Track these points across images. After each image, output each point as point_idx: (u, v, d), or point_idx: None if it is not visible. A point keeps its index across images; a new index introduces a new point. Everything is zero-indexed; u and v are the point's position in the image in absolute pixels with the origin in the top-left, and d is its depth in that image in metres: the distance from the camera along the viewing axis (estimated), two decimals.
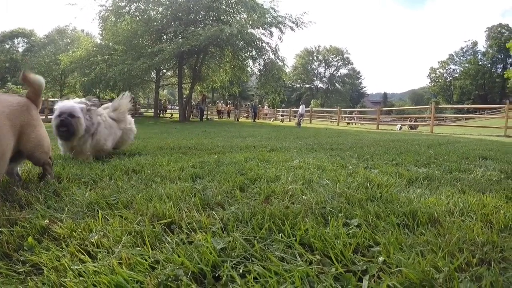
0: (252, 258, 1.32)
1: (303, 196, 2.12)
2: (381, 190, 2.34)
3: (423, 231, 1.57)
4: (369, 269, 1.23)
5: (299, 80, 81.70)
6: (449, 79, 75.08)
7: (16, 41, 54.68)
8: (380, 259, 1.29)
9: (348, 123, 28.49)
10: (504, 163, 4.17)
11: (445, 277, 1.15)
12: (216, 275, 1.23)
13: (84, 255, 1.36)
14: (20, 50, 53.56)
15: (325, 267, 1.25)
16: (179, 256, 1.31)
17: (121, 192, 2.27)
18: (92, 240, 1.47)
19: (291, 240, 1.45)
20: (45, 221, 1.70)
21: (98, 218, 1.74)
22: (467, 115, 33.20)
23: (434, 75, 77.94)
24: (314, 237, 1.46)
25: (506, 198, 2.28)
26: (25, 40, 54.12)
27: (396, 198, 2.13)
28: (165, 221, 1.71)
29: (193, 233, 1.57)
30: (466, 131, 17.71)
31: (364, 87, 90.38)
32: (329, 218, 1.70)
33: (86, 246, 1.43)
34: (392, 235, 1.47)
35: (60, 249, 1.42)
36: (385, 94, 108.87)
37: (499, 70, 68.80)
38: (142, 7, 23.61)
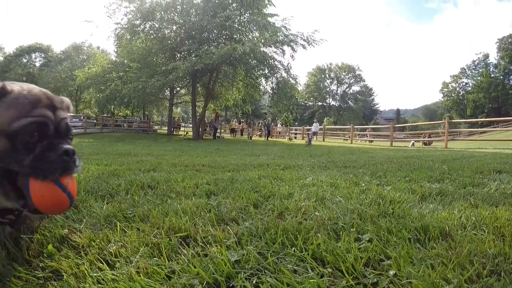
0: (265, 270, 1.35)
1: (316, 213, 2.15)
2: (393, 206, 2.35)
3: (435, 245, 1.58)
4: (380, 281, 1.25)
5: (311, 98, 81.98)
6: (461, 93, 74.67)
7: (33, 55, 56.04)
8: (391, 272, 1.31)
9: (362, 140, 28.33)
10: None
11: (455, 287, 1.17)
12: (230, 285, 1.26)
13: (103, 263, 1.42)
14: (37, 64, 54.80)
15: (336, 280, 1.28)
16: (194, 267, 1.35)
17: (137, 206, 2.34)
18: (111, 250, 1.53)
19: (303, 254, 1.48)
20: (65, 230, 1.77)
21: (116, 229, 1.80)
22: (481, 129, 32.85)
23: (446, 89, 77.60)
24: (326, 251, 1.48)
25: None
26: (42, 55, 55.50)
27: (408, 214, 2.14)
28: (181, 234, 1.76)
29: (208, 246, 1.61)
30: (481, 145, 17.53)
31: (377, 104, 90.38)
32: (341, 233, 1.72)
33: (105, 256, 1.49)
34: (403, 249, 1.49)
35: (79, 257, 1.48)
36: (398, 110, 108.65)
37: None
38: (157, 25, 24.10)
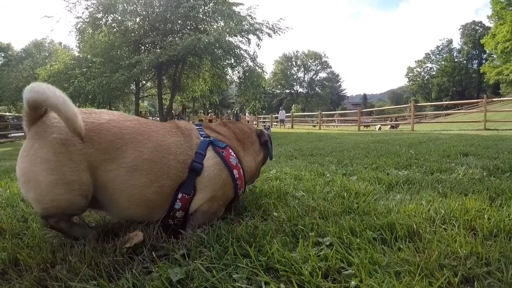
0: None
1: (275, 213, 1.98)
2: (358, 200, 2.21)
3: (401, 246, 1.44)
4: None
5: (279, 86, 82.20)
6: (426, 78, 76.54)
7: None
8: (353, 283, 1.15)
9: (330, 126, 28.53)
10: (485, 158, 4.09)
11: None
12: None
13: None
14: None
15: None
16: None
17: None
18: None
19: (256, 266, 1.32)
20: None
21: None
22: (446, 112, 33.60)
23: (411, 74, 79.30)
24: (279, 262, 1.32)
25: (489, 200, 2.17)
26: (2, 55, 53.32)
27: (374, 208, 2.00)
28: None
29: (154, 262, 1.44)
30: (446, 127, 17.88)
31: (344, 90, 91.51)
32: (299, 238, 1.55)
33: None
34: (366, 254, 1.33)
35: None
36: (364, 95, 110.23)
37: (475, 65, 70.60)
38: (119, 18, 23.37)
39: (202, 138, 1.92)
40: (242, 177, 1.97)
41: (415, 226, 1.63)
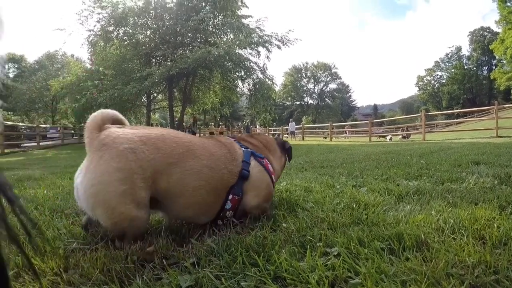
0: None
1: (284, 224, 1.99)
2: (368, 211, 2.22)
3: (409, 256, 1.44)
4: None
5: (289, 98, 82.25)
6: (436, 86, 76.05)
7: (6, 66, 54.74)
8: None
9: (341, 137, 28.44)
10: (497, 166, 4.07)
11: None
12: None
13: None
14: (11, 75, 53.53)
15: None
16: None
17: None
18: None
19: (264, 275, 1.33)
20: None
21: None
22: (457, 120, 33.28)
23: (422, 83, 78.87)
24: (287, 271, 1.34)
25: (499, 209, 2.16)
26: (16, 66, 54.20)
27: (383, 219, 2.00)
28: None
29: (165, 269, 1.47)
30: (458, 136, 17.71)
31: (354, 101, 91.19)
32: (307, 248, 1.57)
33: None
34: (373, 264, 1.34)
35: None
36: (375, 105, 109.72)
37: (485, 72, 70.02)
38: (130, 31, 23.66)
39: (243, 149, 2.20)
40: (274, 181, 2.32)
41: (423, 236, 1.63)
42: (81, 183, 1.65)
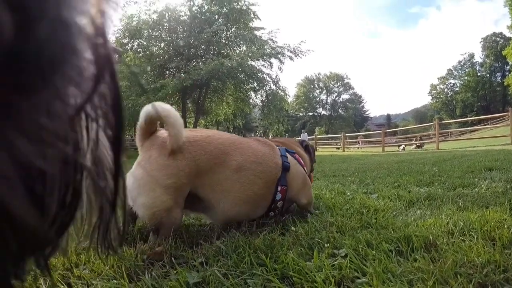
0: None
1: (293, 228, 2.00)
2: (377, 216, 2.21)
3: (417, 256, 1.44)
4: None
5: (301, 109, 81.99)
6: (450, 94, 75.21)
7: None
8: None
9: (354, 147, 28.27)
10: (510, 172, 4.04)
11: None
12: None
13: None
14: None
15: None
16: None
17: None
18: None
19: (271, 274, 1.34)
20: None
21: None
22: (471, 128, 32.88)
23: (435, 91, 78.11)
24: (294, 271, 1.34)
25: (511, 210, 2.15)
26: None
27: (392, 223, 2.00)
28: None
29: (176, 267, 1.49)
30: (472, 144, 17.50)
31: (367, 111, 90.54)
32: (315, 249, 1.57)
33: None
34: (380, 264, 1.34)
35: None
36: (388, 115, 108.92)
37: (499, 78, 68.90)
38: (144, 43, 24.02)
39: (278, 147, 2.37)
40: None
41: (431, 237, 1.63)
42: (129, 176, 1.80)
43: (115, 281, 1.35)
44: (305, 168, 2.48)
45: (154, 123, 1.91)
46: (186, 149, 1.87)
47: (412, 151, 17.58)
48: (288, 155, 2.34)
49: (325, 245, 1.63)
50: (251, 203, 2.09)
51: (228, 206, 2.00)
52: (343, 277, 1.29)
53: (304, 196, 2.39)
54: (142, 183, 1.79)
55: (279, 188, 2.19)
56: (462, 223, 1.86)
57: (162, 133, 1.92)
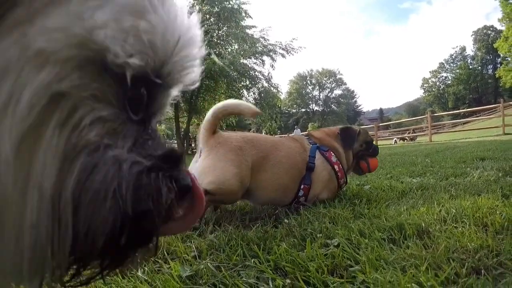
0: (220, 285, 1.23)
1: (285, 220, 2.00)
2: (370, 206, 2.21)
3: (410, 244, 1.43)
4: None
5: (294, 105, 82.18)
6: (442, 87, 75.72)
7: None
8: (359, 279, 1.16)
9: None
10: (502, 161, 4.06)
11: None
12: None
13: None
14: None
15: None
16: (142, 283, 1.26)
17: None
18: None
19: (264, 266, 1.33)
20: None
21: None
22: (464, 120, 33.10)
23: (427, 85, 78.60)
24: (286, 261, 1.34)
25: (503, 197, 2.15)
26: None
27: (384, 213, 1.99)
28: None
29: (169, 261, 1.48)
30: (465, 135, 17.63)
31: (360, 105, 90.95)
32: (307, 240, 1.56)
33: None
34: (373, 252, 1.34)
35: None
36: (381, 110, 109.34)
37: (490, 71, 69.65)
38: None
39: (311, 145, 2.62)
40: (341, 170, 2.63)
41: (424, 225, 1.62)
42: (199, 166, 2.19)
43: (107, 277, 1.33)
44: (336, 165, 2.60)
45: (219, 118, 2.28)
46: (244, 147, 2.28)
47: (405, 144, 17.65)
48: (317, 154, 2.57)
49: (318, 235, 1.63)
50: (281, 192, 2.42)
51: (265, 193, 2.37)
52: (336, 265, 1.29)
53: (326, 193, 2.56)
54: (212, 169, 2.16)
55: (302, 186, 2.46)
56: (454, 211, 1.86)
57: (223, 134, 2.33)
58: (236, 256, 1.45)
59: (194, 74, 0.61)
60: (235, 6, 23.89)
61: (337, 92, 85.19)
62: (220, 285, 1.22)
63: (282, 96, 37.78)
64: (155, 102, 0.56)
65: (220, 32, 24.37)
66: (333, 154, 2.62)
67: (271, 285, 1.18)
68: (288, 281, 1.19)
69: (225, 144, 2.24)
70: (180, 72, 0.56)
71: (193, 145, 31.17)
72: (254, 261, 1.38)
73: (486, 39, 68.26)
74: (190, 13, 0.58)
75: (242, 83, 25.80)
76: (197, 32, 0.58)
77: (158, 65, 0.50)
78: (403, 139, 23.53)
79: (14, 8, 0.41)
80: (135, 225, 0.48)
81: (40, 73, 0.41)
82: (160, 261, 1.49)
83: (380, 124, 26.70)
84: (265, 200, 2.48)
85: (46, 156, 0.42)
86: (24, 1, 0.41)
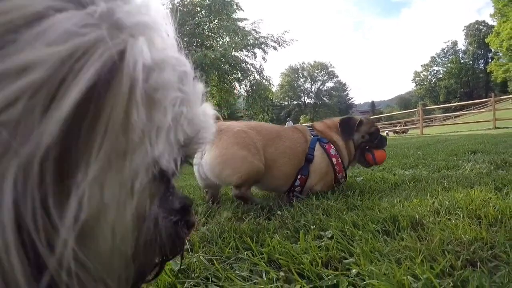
0: (213, 278, 1.22)
1: (278, 212, 1.98)
2: (363, 198, 2.20)
3: (404, 236, 1.42)
4: (340, 283, 1.08)
5: (286, 98, 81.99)
6: (433, 81, 75.93)
7: None
8: (354, 271, 1.14)
9: None
10: (493, 154, 4.07)
11: (423, 286, 1.00)
12: None
13: None
14: None
15: (287, 284, 1.11)
16: None
17: None
18: None
19: (257, 258, 1.32)
20: None
21: None
22: (455, 113, 33.28)
23: (418, 78, 78.75)
24: (280, 253, 1.32)
25: (495, 190, 2.15)
26: None
27: (378, 204, 1.99)
28: None
29: None
30: (456, 129, 17.73)
31: (351, 98, 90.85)
32: (300, 232, 1.55)
33: None
34: (367, 244, 1.33)
35: None
36: (372, 102, 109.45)
37: (481, 65, 69.97)
38: None
39: (312, 136, 2.65)
40: (340, 164, 2.63)
41: (417, 217, 1.61)
42: (208, 159, 2.23)
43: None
44: (334, 158, 2.60)
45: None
46: (248, 131, 2.39)
47: (397, 136, 17.71)
48: (317, 146, 2.60)
49: (311, 227, 1.62)
50: (283, 180, 2.51)
51: (271, 180, 2.47)
52: (330, 258, 1.28)
53: (321, 185, 2.57)
54: (222, 160, 2.22)
55: (299, 176, 2.51)
56: (447, 203, 1.85)
57: (224, 122, 2.42)
58: (229, 249, 1.44)
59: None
60: None
61: (329, 84, 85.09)
62: (213, 279, 1.21)
63: (274, 88, 37.77)
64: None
65: (211, 24, 24.17)
66: (332, 147, 2.63)
67: (265, 278, 1.17)
68: (282, 273, 1.18)
69: (227, 130, 2.33)
70: (197, 146, 0.66)
71: None
72: (247, 254, 1.36)
73: (478, 34, 68.50)
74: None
75: (233, 76, 25.67)
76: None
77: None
78: (395, 131, 23.61)
79: None
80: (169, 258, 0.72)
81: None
82: None
83: (372, 117, 26.68)
84: (269, 187, 2.63)
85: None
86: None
